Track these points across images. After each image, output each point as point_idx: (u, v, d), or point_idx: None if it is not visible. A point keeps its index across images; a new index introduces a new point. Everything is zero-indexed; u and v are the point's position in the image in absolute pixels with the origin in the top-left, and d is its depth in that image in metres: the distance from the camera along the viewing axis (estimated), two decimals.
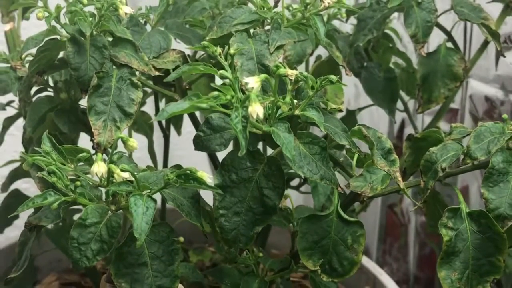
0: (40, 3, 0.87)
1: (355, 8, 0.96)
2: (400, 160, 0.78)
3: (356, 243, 0.76)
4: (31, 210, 0.75)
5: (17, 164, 1.12)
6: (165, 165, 1.09)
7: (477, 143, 0.76)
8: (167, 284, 0.72)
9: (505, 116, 0.77)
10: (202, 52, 0.91)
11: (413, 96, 1.18)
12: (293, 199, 0.94)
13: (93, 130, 0.79)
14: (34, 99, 0.94)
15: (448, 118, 1.31)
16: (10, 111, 1.06)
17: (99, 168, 0.70)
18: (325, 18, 0.88)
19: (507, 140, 0.75)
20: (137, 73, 0.82)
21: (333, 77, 0.72)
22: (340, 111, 0.83)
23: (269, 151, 0.80)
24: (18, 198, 1.10)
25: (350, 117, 1.20)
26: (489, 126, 0.77)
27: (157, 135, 1.11)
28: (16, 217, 1.04)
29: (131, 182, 0.71)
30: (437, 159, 0.77)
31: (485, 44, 1.06)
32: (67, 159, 0.74)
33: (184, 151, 1.04)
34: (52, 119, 0.92)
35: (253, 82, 0.70)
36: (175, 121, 1.14)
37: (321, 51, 1.04)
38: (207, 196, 0.77)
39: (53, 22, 0.83)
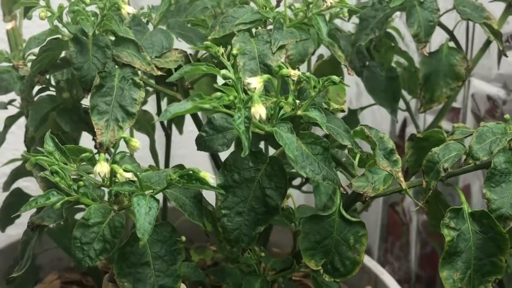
0: (42, 3, 0.87)
1: (357, 7, 0.96)
2: (402, 160, 0.79)
3: (358, 243, 0.77)
4: (32, 209, 0.75)
5: (19, 163, 1.12)
6: (166, 164, 1.09)
7: (479, 143, 0.76)
8: (169, 283, 0.72)
9: (507, 116, 0.77)
10: (204, 51, 0.91)
11: (415, 95, 1.18)
12: (295, 198, 0.94)
13: (95, 130, 0.78)
14: (36, 98, 0.94)
15: (450, 117, 1.31)
16: (12, 110, 1.06)
17: (102, 168, 0.70)
18: (327, 18, 0.88)
19: (509, 140, 0.75)
20: (139, 72, 0.82)
21: (335, 78, 0.72)
22: (342, 111, 0.83)
23: (271, 151, 0.80)
24: (20, 197, 1.10)
25: (352, 116, 1.20)
26: (491, 127, 0.77)
27: (159, 134, 1.11)
28: (18, 215, 1.04)
29: (134, 182, 0.71)
30: (439, 159, 0.77)
31: (487, 43, 1.06)
32: (70, 159, 0.74)
33: (186, 150, 1.04)
34: (54, 119, 0.92)
35: (256, 83, 0.70)
36: (177, 120, 1.14)
37: (323, 50, 1.04)
38: (209, 196, 0.77)
39: (55, 22, 0.83)
